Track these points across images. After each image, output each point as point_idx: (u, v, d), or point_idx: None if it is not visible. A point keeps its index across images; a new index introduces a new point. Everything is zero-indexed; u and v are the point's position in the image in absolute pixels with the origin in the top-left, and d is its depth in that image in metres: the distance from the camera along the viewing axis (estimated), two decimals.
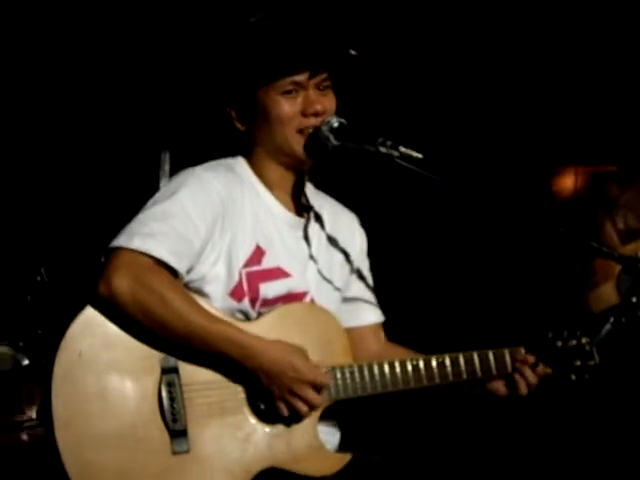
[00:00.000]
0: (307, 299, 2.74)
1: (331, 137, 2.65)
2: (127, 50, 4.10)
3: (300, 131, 2.67)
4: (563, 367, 2.78)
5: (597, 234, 3.95)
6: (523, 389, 2.75)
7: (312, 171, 2.82)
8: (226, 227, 2.62)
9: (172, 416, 2.47)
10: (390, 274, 3.81)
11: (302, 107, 2.67)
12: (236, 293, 2.62)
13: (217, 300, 2.61)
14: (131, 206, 2.62)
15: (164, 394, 2.47)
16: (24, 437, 3.35)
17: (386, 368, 2.65)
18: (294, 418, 2.56)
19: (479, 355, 2.74)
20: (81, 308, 2.51)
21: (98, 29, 4.05)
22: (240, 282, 2.63)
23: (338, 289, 2.83)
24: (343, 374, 2.62)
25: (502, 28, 4.36)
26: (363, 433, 3.00)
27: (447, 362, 2.70)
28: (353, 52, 2.75)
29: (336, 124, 2.66)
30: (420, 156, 2.56)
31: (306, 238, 2.79)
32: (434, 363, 2.70)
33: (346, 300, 2.87)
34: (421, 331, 3.80)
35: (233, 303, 2.62)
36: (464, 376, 2.72)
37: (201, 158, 2.77)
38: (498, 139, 4.48)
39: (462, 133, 4.47)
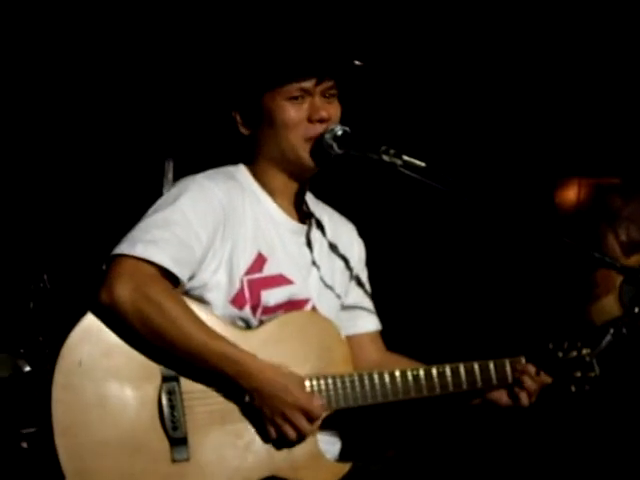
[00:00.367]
0: (309, 306, 2.74)
1: (334, 145, 2.65)
2: (131, 58, 4.10)
3: (305, 138, 2.68)
4: (563, 378, 2.78)
5: (600, 246, 3.95)
6: (524, 400, 2.75)
7: (311, 181, 2.83)
8: (227, 235, 2.62)
9: (172, 424, 2.47)
10: (390, 283, 3.81)
11: (308, 113, 2.67)
12: (237, 300, 2.62)
13: (218, 308, 2.60)
14: (134, 214, 2.62)
15: (164, 402, 2.47)
16: (24, 444, 3.34)
17: (386, 377, 2.65)
18: (274, 443, 2.54)
19: (480, 365, 2.73)
20: (83, 315, 2.51)
21: (103, 36, 4.06)
22: (242, 289, 2.62)
23: (339, 296, 2.83)
24: (343, 383, 2.61)
25: (507, 41, 4.36)
26: (363, 443, 2.99)
27: (447, 372, 2.70)
28: (358, 62, 2.76)
29: (340, 132, 2.66)
30: (423, 165, 2.57)
31: (308, 244, 2.79)
32: (434, 373, 2.69)
33: (344, 308, 2.87)
34: (421, 341, 3.79)
35: (234, 311, 2.62)
36: (464, 386, 2.72)
37: (204, 166, 2.78)
38: (502, 150, 4.48)
39: (466, 144, 4.47)
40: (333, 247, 2.86)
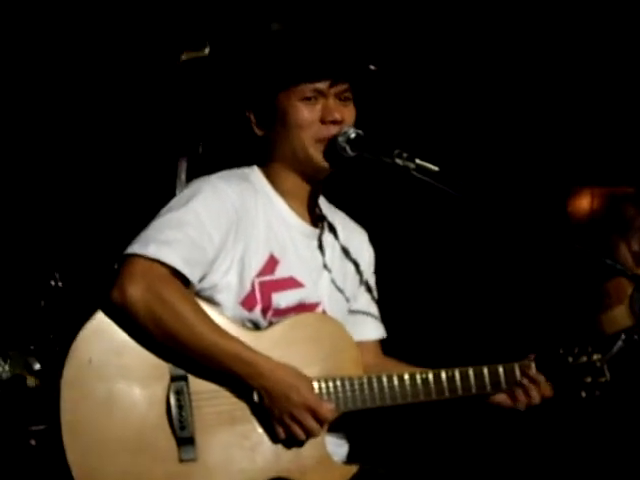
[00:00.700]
0: (319, 310, 2.74)
1: (347, 148, 2.65)
2: (146, 58, 4.11)
3: (317, 139, 2.68)
4: (574, 383, 2.77)
5: (612, 255, 3.93)
6: (522, 405, 2.73)
7: (324, 186, 2.83)
8: (239, 236, 2.62)
9: (180, 424, 2.47)
10: (402, 289, 3.81)
11: (321, 114, 2.68)
12: (247, 302, 2.62)
13: (228, 309, 2.61)
14: (147, 214, 2.62)
15: (172, 402, 2.47)
16: (32, 442, 3.35)
17: (395, 380, 2.65)
18: (283, 442, 2.55)
19: (489, 369, 2.73)
20: (93, 314, 2.51)
21: (117, 34, 4.07)
22: (252, 291, 2.63)
23: (348, 300, 2.84)
24: (352, 385, 2.61)
25: (523, 50, 4.36)
26: (371, 445, 2.99)
27: (457, 376, 2.69)
28: (372, 67, 2.76)
29: (353, 135, 2.66)
30: (436, 169, 2.56)
31: (320, 248, 2.79)
32: (444, 376, 2.68)
33: (351, 312, 2.87)
34: (431, 346, 3.80)
35: (244, 312, 2.62)
36: (473, 390, 2.71)
37: (218, 167, 2.78)
38: (515, 158, 4.47)
39: (480, 151, 4.46)
40: (345, 251, 2.86)
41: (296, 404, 2.50)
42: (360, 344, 2.83)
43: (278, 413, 2.51)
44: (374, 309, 2.92)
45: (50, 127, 4.14)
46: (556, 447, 4.01)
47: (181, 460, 2.47)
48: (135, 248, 2.50)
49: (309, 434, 2.53)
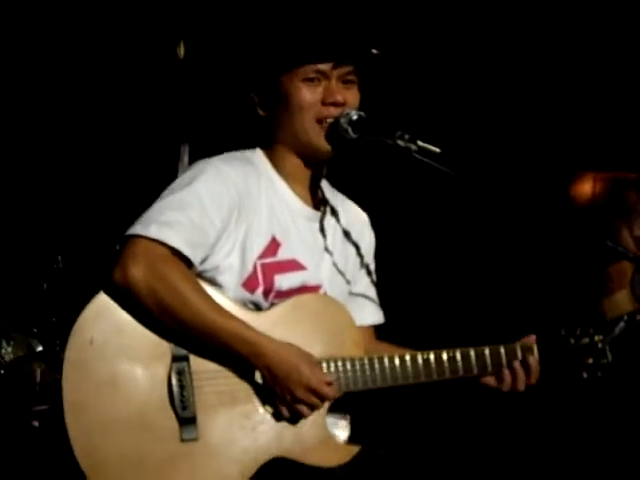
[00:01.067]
0: (320, 292, 2.74)
1: (349, 129, 2.65)
2: (148, 42, 4.11)
3: (319, 121, 2.68)
4: (575, 365, 2.77)
5: (614, 240, 3.93)
6: (505, 388, 2.71)
7: (327, 169, 2.83)
8: (242, 218, 2.62)
9: (181, 404, 2.48)
10: (402, 271, 3.82)
11: (322, 96, 2.68)
12: (249, 284, 2.63)
13: (230, 290, 2.61)
14: (150, 197, 2.62)
15: (174, 382, 2.48)
16: (35, 423, 3.36)
17: (396, 361, 2.65)
18: (289, 420, 2.56)
19: (490, 350, 2.73)
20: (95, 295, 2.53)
21: (119, 22, 4.07)
22: (254, 273, 2.63)
23: (348, 282, 2.84)
24: (353, 366, 2.62)
25: (526, 31, 4.36)
26: (372, 427, 2.99)
27: (458, 356, 2.69)
28: (375, 50, 2.76)
29: (355, 117, 2.66)
30: (438, 150, 2.56)
31: (322, 230, 2.79)
32: (445, 357, 2.69)
33: (351, 295, 2.87)
34: (432, 329, 3.80)
35: (246, 294, 2.62)
36: (475, 371, 2.71)
37: (220, 151, 2.77)
38: (518, 142, 4.47)
39: (483, 135, 4.46)
40: (346, 234, 2.86)
41: (299, 383, 2.51)
42: (361, 329, 2.83)
43: (281, 392, 2.52)
44: (373, 293, 2.92)
45: (52, 112, 4.15)
46: (558, 429, 4.02)
47: (182, 440, 2.48)
48: (137, 229, 2.50)
49: (313, 408, 2.54)
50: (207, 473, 2.49)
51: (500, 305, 4.26)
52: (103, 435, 2.45)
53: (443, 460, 2.73)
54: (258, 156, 2.77)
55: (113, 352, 2.48)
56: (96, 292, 2.53)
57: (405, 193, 4.34)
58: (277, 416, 2.56)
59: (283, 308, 2.63)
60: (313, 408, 2.54)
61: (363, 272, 2.91)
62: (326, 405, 2.59)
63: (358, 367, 2.62)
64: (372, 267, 2.94)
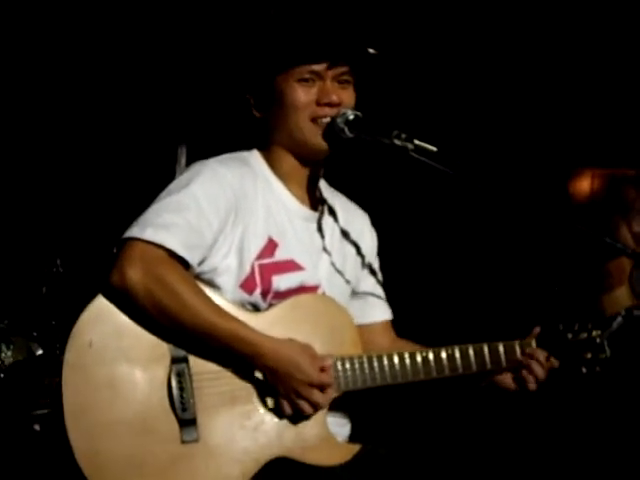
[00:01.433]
0: (319, 292, 2.73)
1: (346, 129, 2.65)
2: (145, 44, 4.11)
3: (313, 120, 2.68)
4: (574, 360, 2.77)
5: (612, 236, 3.93)
6: (531, 384, 2.74)
7: (324, 169, 2.83)
8: (239, 220, 2.62)
9: (181, 405, 2.48)
10: (403, 269, 3.82)
11: (317, 96, 2.68)
12: (247, 285, 2.63)
13: (228, 292, 2.61)
14: (147, 200, 2.63)
15: (174, 384, 2.48)
16: (36, 427, 3.36)
17: (395, 359, 2.65)
18: (292, 418, 2.56)
19: (489, 347, 2.73)
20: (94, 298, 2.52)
21: (115, 23, 4.07)
22: (252, 274, 2.63)
23: (349, 282, 2.84)
24: (352, 365, 2.62)
25: (523, 29, 4.35)
26: (373, 426, 3.00)
27: (457, 354, 2.70)
28: (371, 50, 2.76)
29: (351, 116, 2.66)
30: (435, 149, 2.56)
31: (320, 231, 2.79)
32: (444, 355, 2.69)
33: (356, 295, 2.87)
34: (431, 325, 3.80)
35: (244, 295, 2.62)
36: (474, 368, 2.71)
37: (217, 153, 2.78)
38: (516, 139, 4.47)
39: (481, 132, 4.46)
40: (345, 234, 2.86)
41: (299, 381, 2.51)
42: (371, 326, 2.86)
43: (283, 391, 2.53)
44: (379, 291, 2.92)
45: (50, 115, 4.15)
46: (558, 425, 4.02)
47: (183, 441, 2.48)
48: (134, 232, 2.51)
49: (316, 408, 2.54)
50: (208, 474, 2.49)
51: (499, 302, 4.26)
52: (104, 438, 2.45)
53: (443, 459, 2.73)
54: (254, 157, 2.77)
55: (112, 355, 2.48)
56: (95, 295, 2.52)
57: (405, 192, 4.34)
58: (278, 415, 2.56)
59: (281, 309, 2.63)
60: (315, 406, 2.54)
61: (366, 271, 2.91)
62: (330, 395, 2.59)
63: (357, 366, 2.62)
64: (376, 265, 2.94)
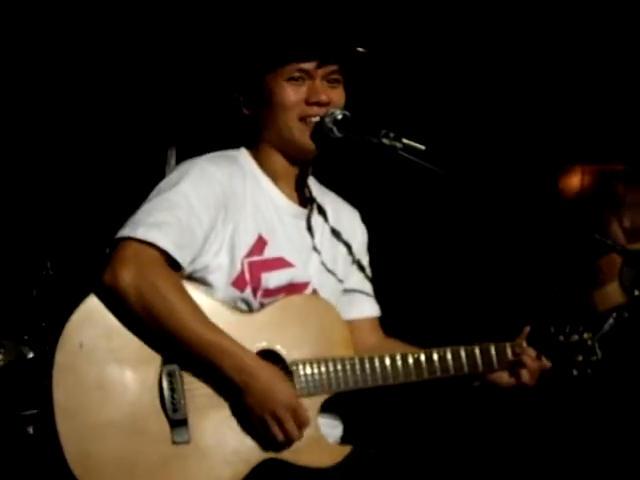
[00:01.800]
0: (309, 289, 2.73)
1: (334, 129, 2.65)
2: (133, 46, 4.10)
3: (302, 119, 2.68)
4: (565, 362, 2.77)
5: (603, 232, 3.93)
6: (526, 378, 2.73)
7: (314, 166, 2.83)
8: (229, 218, 2.62)
9: (172, 406, 2.47)
10: (391, 268, 3.81)
11: (306, 95, 2.68)
12: (238, 283, 2.62)
13: (220, 290, 2.61)
14: (137, 202, 2.62)
15: (165, 384, 2.48)
16: (30, 429, 3.35)
17: (387, 361, 2.65)
18: (260, 440, 2.53)
19: (481, 349, 2.73)
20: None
21: (103, 23, 4.06)
22: (242, 272, 2.63)
23: (340, 281, 2.84)
24: (343, 366, 2.61)
25: (510, 25, 4.35)
26: (365, 427, 2.99)
27: (448, 355, 2.69)
28: (361, 49, 2.76)
29: (340, 116, 2.66)
30: (423, 148, 2.56)
31: (309, 229, 2.79)
32: (435, 357, 2.68)
33: (345, 291, 2.86)
34: (421, 325, 3.80)
35: (236, 292, 2.62)
36: (465, 369, 2.71)
37: (207, 151, 2.78)
38: (505, 136, 4.47)
39: (469, 130, 4.46)
40: (335, 232, 2.86)
41: (278, 403, 2.49)
42: (358, 322, 2.85)
43: (259, 411, 2.50)
44: (367, 287, 2.91)
45: (38, 117, 4.14)
46: (548, 427, 4.02)
47: (174, 442, 2.47)
48: (125, 231, 2.51)
49: (287, 436, 2.50)
50: (199, 475, 2.48)
51: (489, 302, 4.26)
52: (95, 440, 2.45)
53: (435, 460, 2.73)
54: (243, 155, 2.77)
55: (103, 356, 2.47)
56: (86, 297, 2.52)
57: (396, 189, 4.34)
58: None
59: (271, 310, 2.63)
60: (288, 434, 2.49)
61: (355, 268, 2.90)
62: (318, 405, 2.59)
63: (348, 367, 2.61)
64: (365, 262, 2.93)
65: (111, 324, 2.49)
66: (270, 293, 2.66)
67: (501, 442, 4.06)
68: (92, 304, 2.50)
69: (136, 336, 2.50)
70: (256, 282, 2.64)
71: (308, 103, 2.68)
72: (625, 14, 4.27)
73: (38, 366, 3.41)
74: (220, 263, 2.61)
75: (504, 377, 2.76)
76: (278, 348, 2.59)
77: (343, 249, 2.87)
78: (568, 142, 4.39)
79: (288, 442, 2.51)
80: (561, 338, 2.77)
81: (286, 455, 2.54)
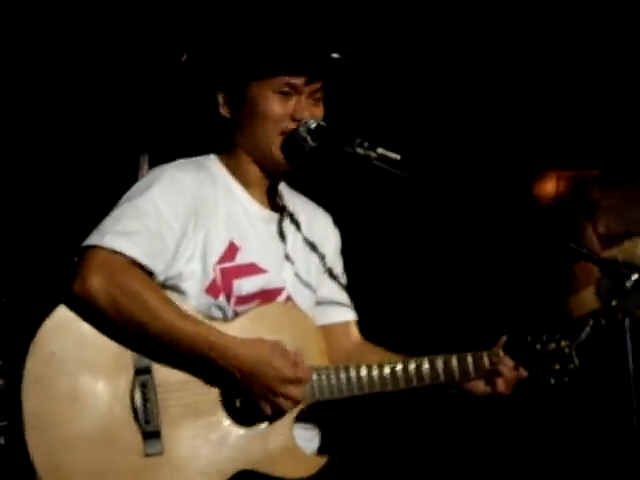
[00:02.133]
0: (283, 295, 2.71)
1: (308, 138, 2.62)
2: (107, 52, 4.07)
3: (282, 133, 2.65)
4: (542, 371, 2.75)
5: (578, 238, 3.94)
6: (501, 387, 2.71)
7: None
8: (200, 224, 2.60)
9: (145, 417, 2.45)
10: (367, 275, 3.79)
11: (292, 111, 2.65)
12: (212, 289, 2.60)
13: (193, 297, 2.58)
14: (109, 208, 2.59)
15: (137, 395, 2.45)
16: (1, 441, 3.31)
17: (363, 371, 2.63)
18: (271, 418, 2.53)
19: (458, 358, 2.71)
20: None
21: (79, 33, 4.02)
22: (214, 279, 2.60)
23: (315, 291, 2.82)
24: (319, 375, 2.59)
25: (484, 33, 4.36)
26: (342, 439, 2.96)
27: (425, 365, 2.67)
28: (340, 57, 2.73)
29: (314, 125, 2.63)
30: (398, 157, 2.53)
31: (281, 234, 2.76)
32: (412, 366, 2.66)
33: (318, 301, 2.84)
34: (400, 332, 3.78)
35: (210, 299, 2.59)
36: (442, 379, 2.69)
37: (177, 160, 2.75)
38: (480, 143, 4.47)
39: (444, 136, 4.45)
40: (308, 242, 2.83)
41: (274, 379, 2.49)
42: (333, 327, 2.83)
43: (260, 391, 2.50)
44: (340, 293, 2.88)
45: (9, 124, 4.10)
46: (525, 436, 4.03)
47: (147, 454, 2.44)
48: (93, 239, 2.48)
49: (295, 402, 2.52)
50: None
51: (466, 310, 4.25)
52: (66, 452, 2.42)
53: (417, 472, 2.72)
54: (213, 162, 2.74)
55: (74, 366, 2.44)
56: (57, 306, 2.49)
57: (373, 196, 4.32)
58: (244, 427, 2.53)
59: (245, 320, 2.60)
60: (294, 401, 2.52)
61: (327, 275, 2.87)
62: (293, 415, 2.57)
63: (324, 377, 2.59)
64: (339, 267, 2.91)
65: (83, 333, 2.46)
66: (243, 299, 2.63)
67: (482, 454, 4.05)
68: (63, 313, 2.47)
69: (109, 345, 2.46)
70: (228, 289, 2.61)
71: (293, 119, 2.64)
72: (600, 22, 4.28)
73: (8, 376, 3.37)
74: (193, 270, 2.59)
75: (480, 386, 2.74)
76: None
77: (316, 258, 2.84)
78: (543, 148, 4.39)
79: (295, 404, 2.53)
80: (538, 347, 2.75)
81: (261, 466, 2.52)
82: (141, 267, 2.49)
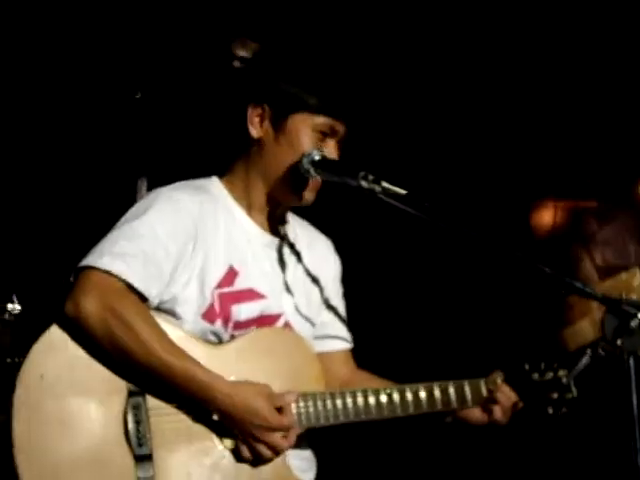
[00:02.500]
0: (281, 321, 2.68)
1: (311, 170, 2.59)
2: (105, 77, 4.08)
3: None
4: (540, 400, 2.73)
5: (575, 269, 3.93)
6: (498, 415, 2.70)
7: None
8: (198, 248, 2.57)
9: (137, 440, 2.41)
10: (366, 302, 3.79)
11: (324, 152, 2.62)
12: (209, 315, 2.56)
13: (189, 322, 2.55)
14: (107, 231, 2.57)
15: (130, 417, 2.41)
16: None
17: (359, 397, 2.60)
18: (253, 462, 2.50)
19: (455, 386, 2.69)
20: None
21: (75, 46, 4.03)
22: (212, 303, 2.57)
23: (314, 324, 2.78)
24: (314, 401, 2.56)
25: (481, 61, 4.38)
26: (338, 470, 2.94)
27: (422, 392, 2.65)
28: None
29: (317, 157, 2.60)
30: (403, 192, 2.50)
31: (281, 261, 2.73)
32: (409, 394, 2.64)
33: (316, 330, 2.80)
34: (397, 360, 3.77)
35: (206, 325, 2.56)
36: (439, 406, 2.67)
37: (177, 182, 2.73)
38: (478, 173, 4.47)
39: (443, 167, 4.46)
40: (309, 273, 2.79)
41: (257, 426, 2.45)
42: (329, 355, 2.80)
43: (241, 434, 2.47)
44: (339, 322, 2.85)
45: (7, 145, 4.10)
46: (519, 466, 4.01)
47: (139, 478, 2.40)
48: (89, 260, 2.45)
49: (277, 452, 2.48)
50: None
51: (464, 340, 4.24)
52: (56, 476, 2.37)
53: None
54: (215, 184, 2.71)
55: (65, 388, 2.40)
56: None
57: (374, 223, 4.32)
58: (236, 453, 2.50)
59: (241, 342, 2.57)
60: (276, 450, 2.47)
61: (329, 299, 2.83)
62: (292, 438, 2.52)
63: (319, 402, 2.56)
64: (338, 294, 2.87)
65: (74, 355, 2.42)
66: (241, 325, 2.60)
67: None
68: (55, 334, 2.43)
69: (101, 367, 2.43)
70: (226, 314, 2.58)
71: None
72: (595, 46, 4.30)
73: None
74: (189, 294, 2.55)
75: (476, 414, 2.73)
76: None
77: (316, 290, 2.80)
78: (541, 179, 4.40)
79: (277, 455, 2.48)
80: (536, 376, 2.74)
81: None
82: (135, 290, 2.46)
